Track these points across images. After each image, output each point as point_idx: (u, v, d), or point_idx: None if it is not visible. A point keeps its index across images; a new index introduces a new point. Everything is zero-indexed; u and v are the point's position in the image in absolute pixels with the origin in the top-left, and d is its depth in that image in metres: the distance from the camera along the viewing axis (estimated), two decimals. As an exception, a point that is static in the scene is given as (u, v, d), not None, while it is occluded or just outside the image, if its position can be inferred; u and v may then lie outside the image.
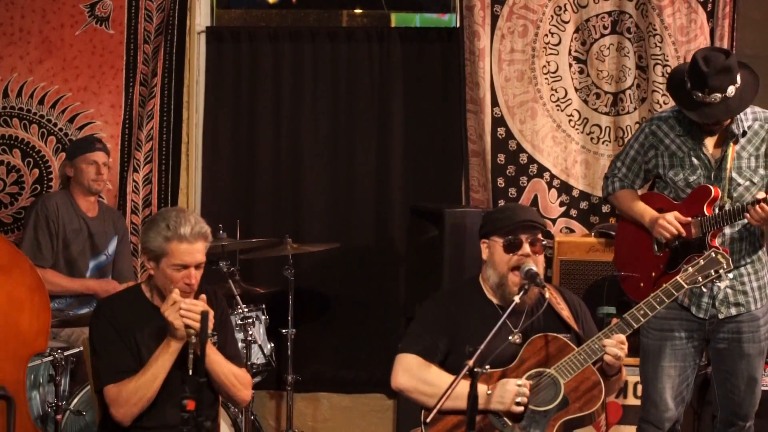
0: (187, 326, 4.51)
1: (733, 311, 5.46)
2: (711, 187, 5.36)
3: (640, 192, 5.75)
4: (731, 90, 5.27)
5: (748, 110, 5.47)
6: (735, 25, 7.11)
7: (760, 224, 5.28)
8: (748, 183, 5.41)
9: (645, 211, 5.59)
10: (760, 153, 5.44)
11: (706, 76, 5.24)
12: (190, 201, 7.47)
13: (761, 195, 5.21)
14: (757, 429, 5.75)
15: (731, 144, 5.41)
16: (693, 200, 5.42)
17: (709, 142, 5.46)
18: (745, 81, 5.35)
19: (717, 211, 5.36)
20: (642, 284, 5.56)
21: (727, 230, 5.41)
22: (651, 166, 5.62)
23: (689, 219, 5.40)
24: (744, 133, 5.43)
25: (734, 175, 5.40)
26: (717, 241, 5.36)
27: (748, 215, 5.22)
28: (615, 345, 4.65)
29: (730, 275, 4.88)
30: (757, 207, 5.17)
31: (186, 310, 4.54)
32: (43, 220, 6.71)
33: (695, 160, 5.45)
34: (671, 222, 5.40)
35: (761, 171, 5.44)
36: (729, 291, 5.41)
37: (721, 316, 5.45)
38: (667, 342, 5.52)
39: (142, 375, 4.60)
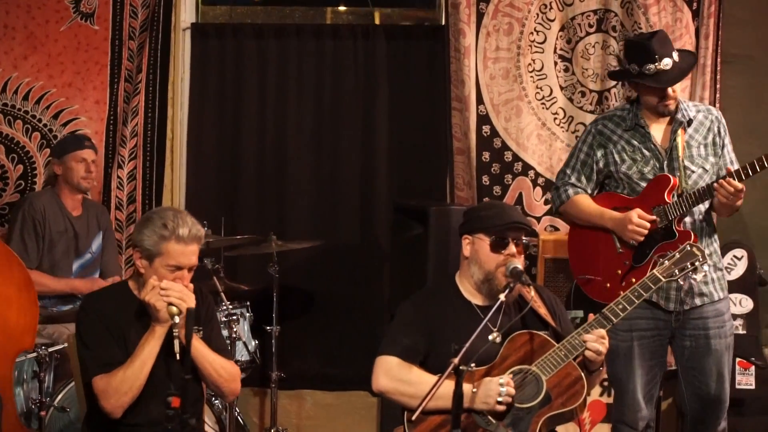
0: (169, 304, 4.52)
1: (698, 301, 5.52)
2: (669, 176, 5.45)
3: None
4: (675, 54, 5.47)
5: (690, 103, 5.68)
6: (720, 24, 7.13)
7: (727, 201, 5.34)
8: (700, 170, 5.52)
9: (604, 213, 5.62)
10: (708, 142, 5.58)
11: (651, 45, 5.42)
12: (174, 198, 7.46)
13: (729, 169, 5.37)
14: (741, 427, 5.76)
15: (680, 132, 5.51)
16: (651, 191, 5.49)
17: (657, 133, 5.58)
18: (678, 51, 5.59)
19: (676, 198, 5.42)
20: (608, 284, 5.59)
21: (687, 219, 5.49)
22: (602, 165, 5.67)
23: (653, 217, 5.45)
24: (690, 122, 5.55)
25: (687, 163, 5.50)
26: (682, 227, 5.44)
27: (716, 193, 5.31)
28: (595, 340, 4.65)
29: (706, 268, 4.90)
30: (723, 182, 5.27)
31: (165, 288, 4.55)
32: (30, 221, 6.69)
33: (646, 152, 5.55)
34: (640, 223, 5.45)
35: (711, 158, 5.56)
36: (692, 282, 5.44)
37: (686, 307, 5.50)
38: (636, 342, 5.55)
39: (130, 364, 4.58)
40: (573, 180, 5.75)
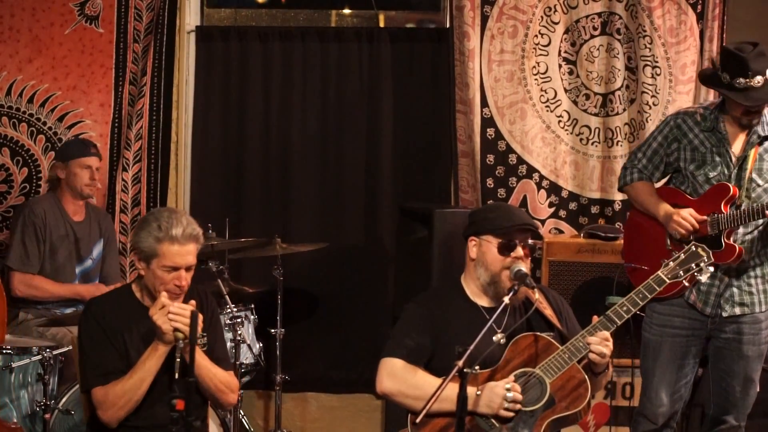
0: (175, 330, 4.50)
1: (737, 311, 5.48)
2: (730, 186, 5.40)
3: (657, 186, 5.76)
4: None
5: None
6: (725, 26, 7.13)
7: None
8: (767, 185, 5.46)
9: (660, 204, 5.60)
10: None
11: (747, 60, 5.30)
12: (179, 200, 7.47)
13: None
14: (747, 429, 5.75)
15: (755, 145, 5.45)
16: (710, 197, 5.45)
17: (734, 141, 5.50)
18: None
19: (733, 210, 5.38)
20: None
21: (741, 230, 5.43)
22: (672, 159, 5.63)
23: (705, 217, 5.42)
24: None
25: (754, 176, 5.45)
26: (731, 240, 5.39)
27: None
28: (599, 342, 4.63)
29: (711, 269, 4.87)
30: None
31: (175, 314, 4.52)
32: (31, 226, 6.69)
33: (717, 157, 5.48)
34: (686, 218, 5.44)
35: None
36: (735, 290, 5.44)
37: (724, 314, 5.47)
38: (668, 338, 5.53)
39: (129, 378, 4.59)
40: (641, 165, 5.72)
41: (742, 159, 5.45)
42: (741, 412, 5.61)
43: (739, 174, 5.46)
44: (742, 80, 5.31)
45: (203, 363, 4.69)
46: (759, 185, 5.46)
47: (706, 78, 5.81)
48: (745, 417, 5.63)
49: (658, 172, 5.72)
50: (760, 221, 5.42)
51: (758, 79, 5.29)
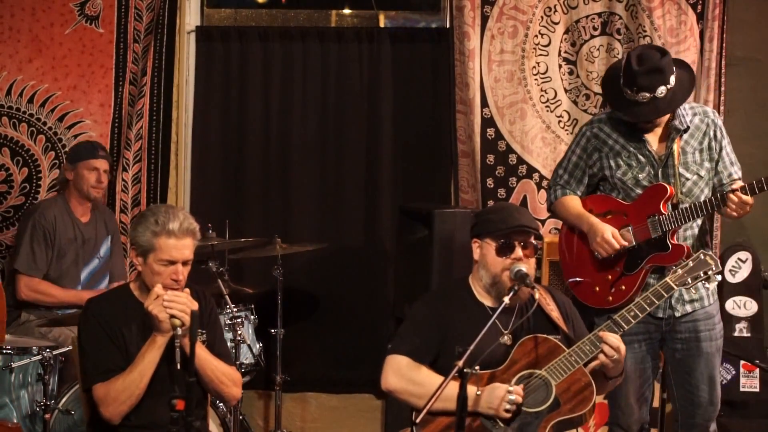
0: (171, 317, 4.53)
1: (689, 308, 5.46)
2: (666, 186, 5.36)
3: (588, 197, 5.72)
4: (661, 90, 5.27)
5: (687, 105, 5.49)
6: (725, 26, 7.13)
7: (738, 214, 5.27)
8: (695, 177, 5.44)
9: (583, 216, 5.56)
10: (704, 146, 5.47)
11: (636, 75, 5.26)
12: (179, 200, 7.47)
13: (737, 184, 5.25)
14: (745, 430, 5.75)
15: (676, 140, 5.42)
16: (648, 199, 5.41)
17: (653, 139, 5.47)
18: (679, 82, 5.36)
19: (671, 209, 5.37)
20: (597, 288, 5.51)
21: (679, 230, 5.42)
22: (596, 169, 5.58)
23: (624, 243, 5.39)
24: (687, 129, 5.44)
25: (682, 170, 5.41)
26: (675, 240, 5.37)
27: (726, 208, 5.24)
28: (616, 338, 4.66)
29: (719, 277, 4.87)
30: (732, 196, 5.18)
31: (169, 300, 4.55)
32: (40, 231, 6.70)
33: (642, 158, 5.45)
34: (608, 240, 5.40)
35: (706, 164, 5.46)
36: (682, 289, 5.38)
37: (677, 314, 5.45)
38: (627, 345, 5.50)
39: (129, 372, 4.60)
40: (563, 181, 5.70)
41: (666, 156, 5.41)
42: (710, 413, 5.56)
43: (666, 171, 5.42)
44: (628, 92, 5.30)
45: (203, 355, 4.70)
46: (688, 179, 5.42)
47: (607, 79, 5.70)
48: (713, 417, 5.58)
49: (581, 186, 5.66)
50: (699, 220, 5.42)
51: (644, 95, 5.27)
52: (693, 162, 5.44)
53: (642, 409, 5.60)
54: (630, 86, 5.28)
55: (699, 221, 5.47)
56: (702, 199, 5.39)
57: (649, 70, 5.26)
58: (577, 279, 5.63)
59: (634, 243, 5.40)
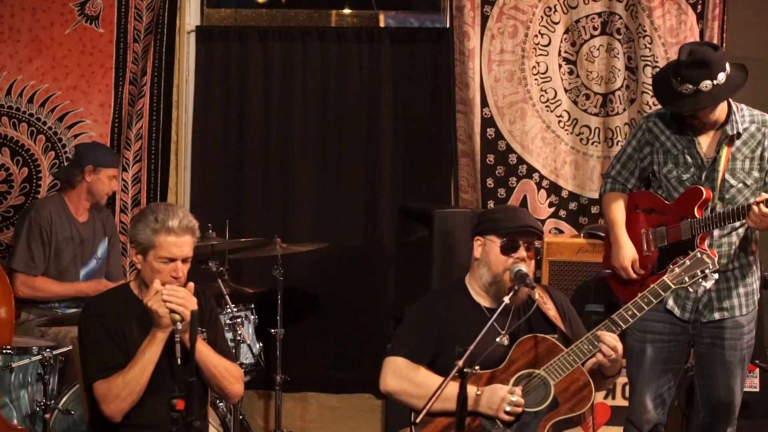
0: (171, 311, 4.54)
1: (716, 316, 5.42)
2: (702, 189, 5.32)
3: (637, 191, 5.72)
4: (706, 84, 5.22)
5: (745, 111, 5.44)
6: (725, 26, 7.13)
7: (758, 226, 5.20)
8: (740, 185, 5.37)
9: (615, 227, 5.59)
10: (755, 155, 5.39)
11: (682, 66, 5.24)
12: (179, 200, 7.47)
13: (763, 197, 5.14)
14: (745, 430, 5.75)
15: (725, 145, 5.36)
16: (684, 201, 5.38)
17: (704, 141, 5.42)
18: (729, 80, 5.30)
19: (707, 213, 5.32)
20: (630, 282, 5.54)
21: (716, 233, 5.36)
22: (647, 163, 5.56)
23: (641, 272, 5.45)
24: (738, 135, 5.37)
25: (727, 176, 5.36)
26: (706, 244, 5.31)
27: (747, 218, 5.17)
28: (613, 337, 4.65)
29: (716, 276, 4.84)
30: (754, 207, 5.10)
31: (168, 294, 4.56)
32: (37, 229, 6.68)
33: (689, 158, 5.41)
34: (625, 268, 5.48)
35: (755, 173, 5.39)
36: (713, 295, 5.38)
37: (703, 320, 5.43)
38: (649, 344, 5.49)
39: (130, 369, 4.60)
40: (614, 172, 5.67)
41: (713, 160, 5.37)
42: (727, 418, 5.55)
43: (711, 175, 5.38)
44: (674, 82, 5.29)
45: (205, 350, 4.71)
46: (732, 186, 5.37)
47: (660, 72, 5.76)
48: (731, 421, 5.57)
49: (633, 178, 5.65)
50: (737, 223, 5.34)
51: (687, 87, 5.23)
52: (741, 169, 5.38)
53: (658, 409, 5.57)
54: (675, 76, 5.27)
55: (741, 230, 5.40)
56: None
57: (695, 62, 5.23)
58: (608, 271, 5.69)
59: (645, 273, 5.43)
